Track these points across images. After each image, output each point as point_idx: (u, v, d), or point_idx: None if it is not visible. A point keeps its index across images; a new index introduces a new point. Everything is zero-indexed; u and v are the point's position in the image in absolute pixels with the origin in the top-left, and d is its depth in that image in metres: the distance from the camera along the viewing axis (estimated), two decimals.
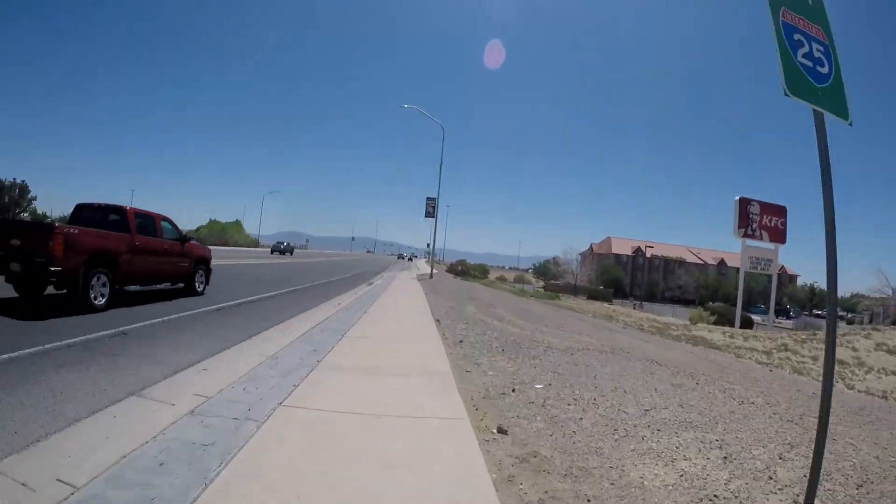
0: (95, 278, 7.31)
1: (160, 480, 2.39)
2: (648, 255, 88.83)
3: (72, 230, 7.13)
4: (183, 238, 9.97)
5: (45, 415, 3.23)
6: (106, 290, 7.55)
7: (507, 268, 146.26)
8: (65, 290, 7.07)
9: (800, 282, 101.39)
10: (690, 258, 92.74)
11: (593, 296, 59.57)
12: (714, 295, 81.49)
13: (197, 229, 65.06)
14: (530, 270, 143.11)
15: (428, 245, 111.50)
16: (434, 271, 37.50)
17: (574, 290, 61.07)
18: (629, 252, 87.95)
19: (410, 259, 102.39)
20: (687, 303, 74.73)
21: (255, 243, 72.45)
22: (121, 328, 6.16)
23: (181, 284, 10.00)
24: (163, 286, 9.60)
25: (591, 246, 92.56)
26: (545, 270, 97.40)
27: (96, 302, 7.31)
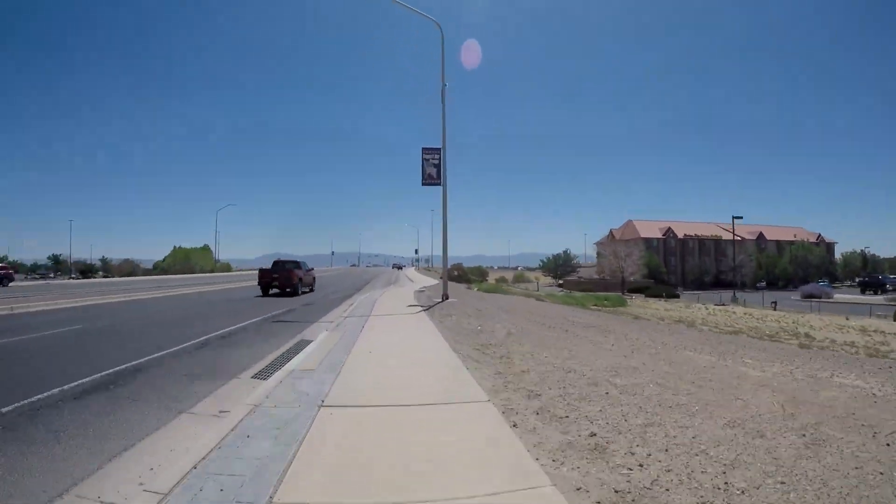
0: (299, 285, 18.88)
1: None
2: (681, 235, 75.62)
3: (295, 270, 19.21)
4: (308, 269, 21.47)
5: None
6: (300, 289, 18.94)
7: (495, 268, 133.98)
8: (288, 290, 18.42)
9: (839, 249, 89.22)
10: (725, 235, 79.88)
11: (642, 292, 45.57)
12: (770, 274, 68.39)
13: (164, 259, 62.00)
14: (521, 268, 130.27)
15: (416, 251, 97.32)
16: (435, 283, 24.74)
17: (622, 287, 47.12)
18: (659, 235, 74.42)
19: (400, 268, 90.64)
20: (728, 286, 61.23)
21: (228, 268, 64.15)
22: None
23: (308, 289, 20.92)
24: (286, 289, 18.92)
25: (610, 232, 79.04)
26: (554, 266, 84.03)
27: (300, 293, 18.73)
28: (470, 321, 9.75)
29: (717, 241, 76.02)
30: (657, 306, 27.38)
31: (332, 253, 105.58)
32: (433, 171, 16.67)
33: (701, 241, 77.39)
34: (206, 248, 65.32)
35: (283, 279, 18.57)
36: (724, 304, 30.04)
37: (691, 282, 64.19)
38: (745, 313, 22.54)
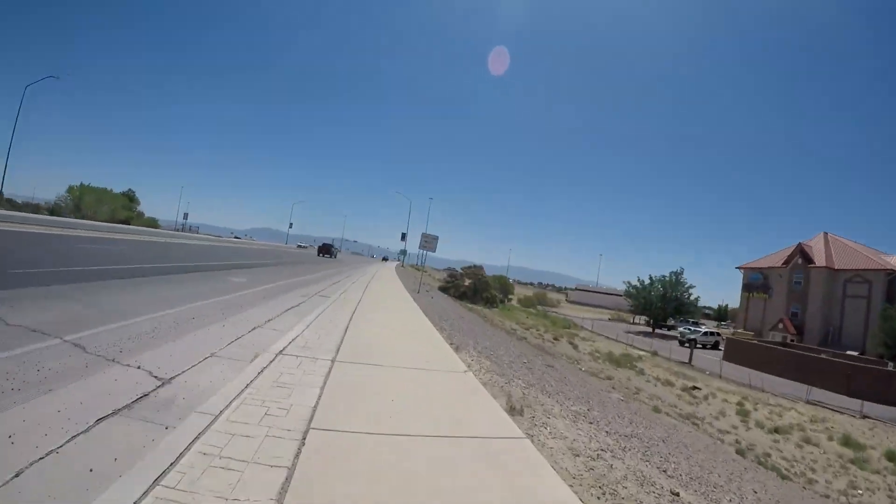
0: (337, 254, 65.19)
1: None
2: None
3: (332, 247, 59.11)
4: (334, 246, 62.91)
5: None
6: (334, 256, 56.37)
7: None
8: (327, 256, 52.46)
9: None
10: None
11: None
12: None
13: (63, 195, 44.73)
14: (514, 280, 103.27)
15: (404, 237, 72.47)
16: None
17: None
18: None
19: (385, 259, 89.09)
20: None
21: (153, 223, 51.43)
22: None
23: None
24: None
25: (799, 248, 45.15)
26: (661, 301, 47.49)
27: (337, 257, 58.02)
28: None
29: None
30: None
31: (291, 225, 79.84)
32: None
33: None
34: (127, 196, 51.67)
35: (326, 250, 52.77)
36: None
37: None
38: None
